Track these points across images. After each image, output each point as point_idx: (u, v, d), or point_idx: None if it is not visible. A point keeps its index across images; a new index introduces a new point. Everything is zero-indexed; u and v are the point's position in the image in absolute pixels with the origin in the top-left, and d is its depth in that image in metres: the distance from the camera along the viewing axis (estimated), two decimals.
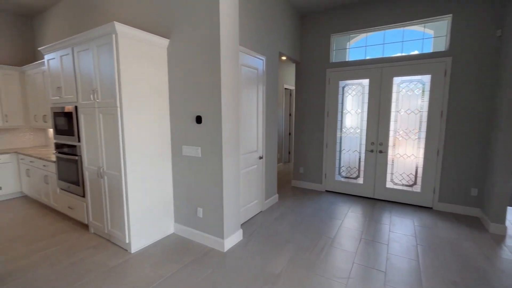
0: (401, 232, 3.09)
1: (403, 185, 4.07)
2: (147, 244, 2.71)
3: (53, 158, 3.52)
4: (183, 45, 2.62)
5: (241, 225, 3.22)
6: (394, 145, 4.08)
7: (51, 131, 4.77)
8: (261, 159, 3.59)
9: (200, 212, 2.74)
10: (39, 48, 3.20)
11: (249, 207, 3.40)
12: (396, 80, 3.93)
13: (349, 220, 3.41)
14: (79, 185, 3.00)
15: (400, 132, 4.00)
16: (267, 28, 3.53)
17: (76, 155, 2.95)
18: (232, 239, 2.72)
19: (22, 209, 3.80)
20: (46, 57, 3.16)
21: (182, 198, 2.88)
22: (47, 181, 3.57)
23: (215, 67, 2.41)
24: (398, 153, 4.06)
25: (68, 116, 2.97)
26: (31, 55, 4.79)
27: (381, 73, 4.00)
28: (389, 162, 4.11)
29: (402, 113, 3.95)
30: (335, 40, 4.45)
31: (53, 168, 3.43)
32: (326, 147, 4.61)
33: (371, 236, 2.98)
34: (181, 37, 2.62)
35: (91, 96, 2.62)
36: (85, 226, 3.17)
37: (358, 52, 4.30)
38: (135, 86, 2.47)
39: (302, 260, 2.47)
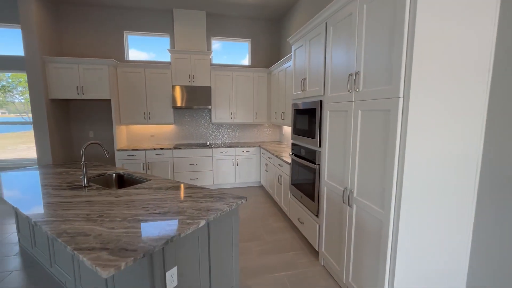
0: None
1: None
2: None
3: (288, 158, 3.30)
4: None
5: None
6: None
7: (285, 128, 4.94)
8: None
9: None
10: (288, 39, 2.94)
11: None
12: None
13: None
14: (313, 200, 2.41)
15: None
16: None
17: (314, 163, 2.35)
18: None
19: (258, 201, 4.05)
20: (294, 47, 2.84)
21: (492, 267, 1.38)
22: (280, 181, 3.45)
23: None
24: None
25: (309, 113, 2.43)
26: (276, 57, 5.18)
27: None
28: None
29: None
30: None
31: (286, 169, 3.19)
32: None
33: None
34: None
35: (347, 85, 1.80)
36: (315, 251, 2.58)
37: None
38: (435, 61, 1.29)
39: None
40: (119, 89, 4.32)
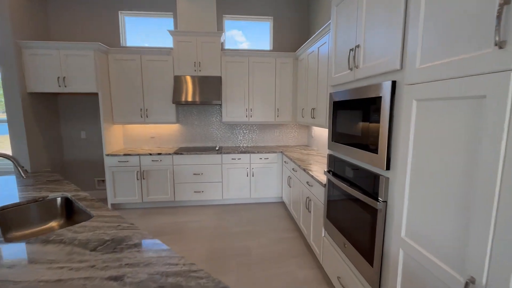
0: None
1: None
2: None
3: (321, 175, 2.25)
4: None
5: None
6: None
7: (316, 129, 3.86)
8: None
9: None
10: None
11: None
12: None
13: None
14: (370, 263, 1.35)
15: None
16: None
17: (375, 198, 1.29)
18: None
19: (278, 227, 3.05)
20: (334, 1, 1.78)
21: None
22: (309, 206, 2.41)
23: None
24: None
25: (364, 107, 1.37)
26: (305, 38, 4.10)
27: None
28: None
29: None
30: None
31: (319, 192, 2.14)
32: None
33: None
34: None
35: (479, 41, 0.73)
36: None
37: None
38: None
39: None
40: (110, 81, 3.57)
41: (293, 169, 3.02)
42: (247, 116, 3.83)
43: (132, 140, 4.00)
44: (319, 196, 2.12)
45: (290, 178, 3.16)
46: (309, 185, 2.37)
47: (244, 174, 3.67)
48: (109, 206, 3.53)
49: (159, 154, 3.49)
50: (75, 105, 3.84)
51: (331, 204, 1.87)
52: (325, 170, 1.95)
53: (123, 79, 3.58)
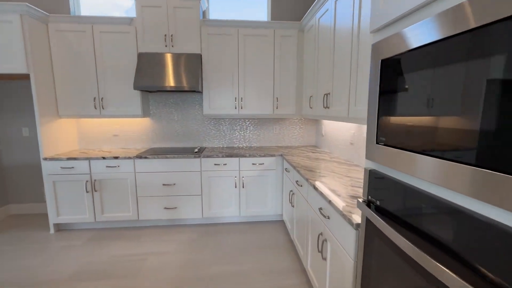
0: None
1: None
2: None
3: (346, 203, 1.32)
4: None
5: None
6: None
7: (327, 125, 2.91)
8: None
9: None
10: None
11: None
12: None
13: None
14: None
15: None
16: None
17: None
18: None
19: (273, 261, 2.13)
20: None
21: None
22: (324, 250, 1.47)
23: None
24: None
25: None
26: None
27: None
28: None
29: None
30: None
31: (345, 235, 1.21)
32: None
33: None
34: None
35: None
36: None
37: None
38: None
39: None
40: (53, 60, 2.67)
41: (297, 181, 2.09)
42: (237, 107, 2.90)
43: (89, 139, 3.10)
44: (345, 241, 1.18)
45: (293, 193, 2.23)
46: (324, 216, 1.43)
47: (231, 184, 2.74)
48: (51, 227, 2.64)
49: (116, 158, 2.58)
50: (13, 94, 2.95)
51: (374, 268, 0.93)
52: (362, 199, 1.01)
53: (70, 57, 2.68)
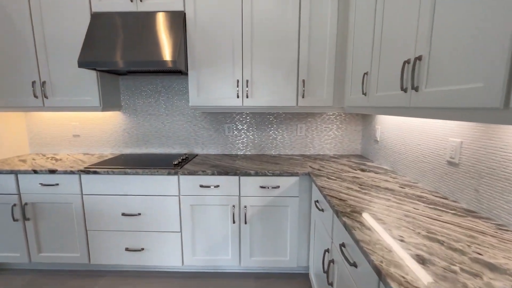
0: None
1: None
2: None
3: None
4: None
5: None
6: None
7: (386, 121, 1.77)
8: None
9: None
10: None
11: None
12: None
13: None
14: None
15: None
16: None
17: None
18: None
19: None
20: None
21: None
22: None
23: None
24: None
25: None
26: None
27: None
28: None
29: None
30: None
31: None
32: None
33: None
34: None
35: None
36: None
37: None
38: None
39: None
40: None
41: (342, 245, 1.01)
42: (240, 95, 1.87)
43: (43, 140, 2.27)
44: None
45: (333, 262, 1.15)
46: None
47: (226, 217, 1.73)
48: None
49: (53, 171, 1.69)
50: None
51: None
52: None
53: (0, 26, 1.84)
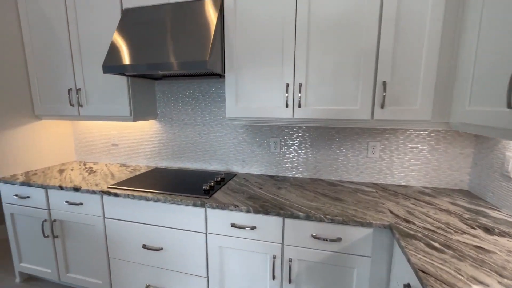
0: None
1: None
2: None
3: None
4: None
5: None
6: None
7: None
8: None
9: None
10: None
11: None
12: None
13: None
14: None
15: None
16: None
17: None
18: None
19: None
20: None
21: None
22: None
23: None
24: None
25: None
26: None
27: None
28: None
29: None
30: None
31: None
32: None
33: None
34: None
35: None
36: None
37: None
38: None
39: None
40: (23, 32, 1.83)
41: None
42: (290, 103, 1.39)
43: (87, 148, 2.22)
44: None
45: None
46: None
47: (263, 269, 1.29)
48: (16, 275, 1.86)
49: (77, 189, 1.53)
50: None
51: None
52: None
53: (39, 26, 1.78)
